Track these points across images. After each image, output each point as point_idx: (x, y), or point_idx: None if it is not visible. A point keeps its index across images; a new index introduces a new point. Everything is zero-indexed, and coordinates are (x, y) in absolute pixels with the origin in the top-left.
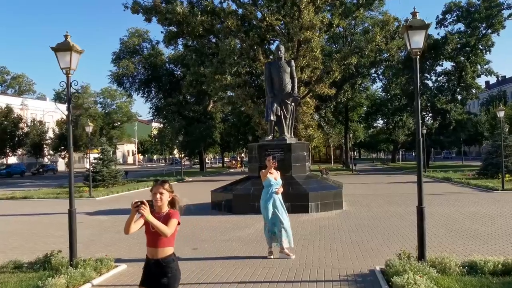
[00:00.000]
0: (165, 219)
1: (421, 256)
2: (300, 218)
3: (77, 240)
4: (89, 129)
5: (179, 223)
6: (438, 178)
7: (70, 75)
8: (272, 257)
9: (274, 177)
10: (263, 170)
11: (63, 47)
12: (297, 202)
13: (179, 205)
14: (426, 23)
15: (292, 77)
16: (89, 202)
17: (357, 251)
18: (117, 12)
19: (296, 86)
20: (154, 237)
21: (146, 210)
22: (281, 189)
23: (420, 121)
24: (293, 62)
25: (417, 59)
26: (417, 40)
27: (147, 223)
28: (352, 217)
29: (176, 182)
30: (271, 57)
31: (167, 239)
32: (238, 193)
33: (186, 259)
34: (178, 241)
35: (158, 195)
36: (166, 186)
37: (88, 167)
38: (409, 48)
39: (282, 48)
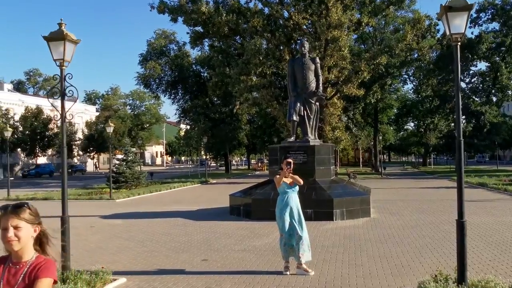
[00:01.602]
0: (30, 281)
1: (461, 279)
2: (323, 227)
3: (83, 246)
4: (110, 129)
5: (55, 282)
6: (473, 183)
7: (64, 67)
8: (288, 273)
9: (290, 182)
10: (277, 176)
11: (56, 36)
12: (320, 208)
13: (51, 244)
14: (469, 3)
15: (316, 75)
16: (108, 204)
17: (385, 267)
18: (149, 13)
19: (321, 85)
20: None
21: None
22: (298, 178)
23: (461, 119)
24: (317, 59)
25: (458, 46)
26: (458, 24)
27: None
28: (380, 226)
29: (199, 184)
30: (297, 56)
31: None
32: (257, 197)
33: (192, 273)
34: (187, 251)
35: (11, 233)
36: (25, 214)
37: (115, 168)
38: (448, 33)
39: (306, 44)
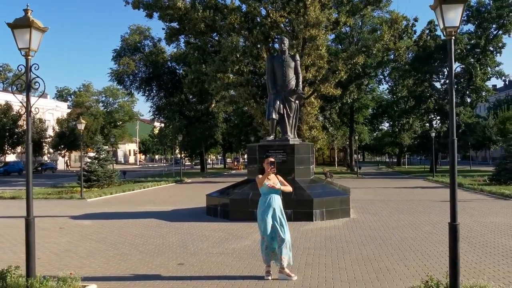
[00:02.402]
0: None
1: (453, 285)
2: (303, 227)
3: (51, 249)
4: (81, 126)
5: None
6: (448, 183)
7: (30, 57)
8: (270, 278)
9: (273, 183)
10: (259, 176)
11: (21, 24)
12: (300, 209)
13: None
14: None
15: (296, 73)
16: (79, 204)
17: (370, 271)
18: (123, 8)
19: (300, 83)
20: None
21: None
22: (287, 188)
23: (455, 117)
24: (297, 57)
25: (452, 40)
26: (453, 18)
27: None
28: (361, 227)
29: (174, 183)
30: (277, 53)
31: None
32: (235, 197)
33: (168, 278)
34: (162, 254)
35: None
36: None
37: (86, 166)
38: (441, 26)
39: (286, 41)
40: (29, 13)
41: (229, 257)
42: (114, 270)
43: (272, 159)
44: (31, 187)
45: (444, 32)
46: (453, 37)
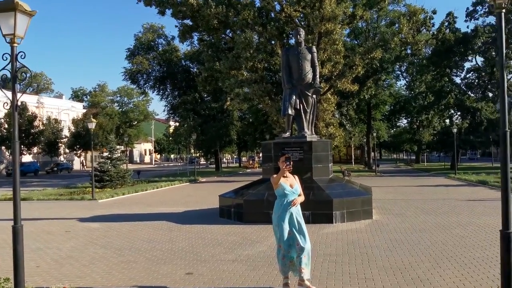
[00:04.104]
0: None
1: None
2: (323, 231)
3: (53, 255)
4: (92, 125)
5: None
6: (472, 181)
7: (15, 44)
8: None
9: (290, 184)
10: (274, 175)
11: (5, 7)
12: (319, 210)
13: None
14: None
15: (313, 65)
16: (90, 205)
17: (401, 282)
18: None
19: (318, 76)
20: None
21: None
22: (301, 199)
23: (507, 106)
24: (314, 48)
25: (502, 14)
26: None
27: None
28: (386, 230)
29: (188, 183)
30: (292, 45)
31: None
32: (249, 198)
33: None
34: (170, 261)
35: None
36: None
37: (99, 166)
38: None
39: (302, 32)
40: None
41: (243, 265)
42: (116, 281)
43: (288, 155)
44: (18, 191)
45: (493, 4)
46: (504, 10)
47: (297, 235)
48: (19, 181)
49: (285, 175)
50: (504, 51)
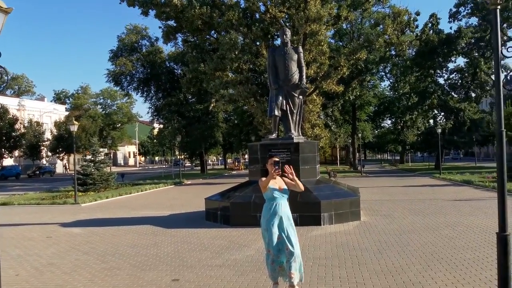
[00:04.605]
0: None
1: None
2: (311, 233)
3: (33, 263)
4: (74, 128)
5: None
6: (457, 181)
7: None
8: None
9: (279, 186)
10: (263, 179)
11: None
12: (306, 212)
13: None
14: None
15: (300, 66)
16: (72, 209)
17: (392, 285)
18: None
19: (304, 76)
20: None
21: None
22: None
23: (503, 105)
24: (300, 48)
25: (498, 11)
26: None
27: None
28: (374, 231)
29: (173, 185)
30: (278, 45)
31: None
32: (236, 201)
33: None
34: (155, 267)
35: None
36: None
37: (82, 169)
38: None
39: (288, 32)
40: None
41: (230, 271)
42: None
43: (277, 159)
44: None
45: (487, 3)
46: (499, 6)
47: (286, 239)
48: None
49: (273, 178)
50: (500, 49)
